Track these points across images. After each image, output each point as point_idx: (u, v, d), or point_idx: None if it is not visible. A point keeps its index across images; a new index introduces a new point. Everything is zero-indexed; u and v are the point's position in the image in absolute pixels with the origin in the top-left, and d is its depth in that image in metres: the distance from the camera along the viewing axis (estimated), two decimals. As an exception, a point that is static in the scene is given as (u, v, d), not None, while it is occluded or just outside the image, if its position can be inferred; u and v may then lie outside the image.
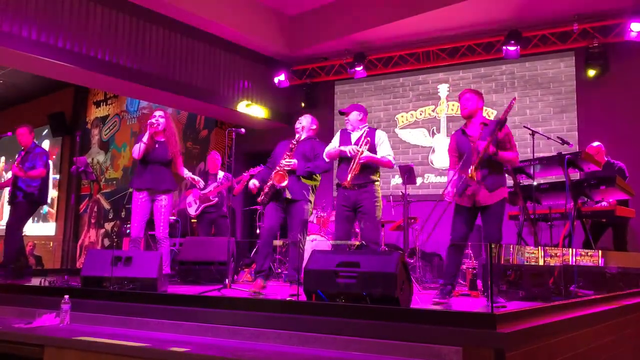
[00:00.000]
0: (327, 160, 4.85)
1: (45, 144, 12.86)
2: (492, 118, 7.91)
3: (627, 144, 6.82)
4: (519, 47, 7.43)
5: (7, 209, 6.55)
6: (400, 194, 6.63)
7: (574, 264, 4.29)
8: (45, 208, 6.74)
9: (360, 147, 4.60)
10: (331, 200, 8.00)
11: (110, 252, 4.23)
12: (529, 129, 4.97)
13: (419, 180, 8.13)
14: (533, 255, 4.24)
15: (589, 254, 4.74)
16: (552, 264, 4.14)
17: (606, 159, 5.91)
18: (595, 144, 5.99)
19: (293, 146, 4.83)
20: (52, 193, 12.60)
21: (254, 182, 4.90)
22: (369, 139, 4.69)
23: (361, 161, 4.53)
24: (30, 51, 6.68)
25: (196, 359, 2.71)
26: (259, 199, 4.85)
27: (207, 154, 7.95)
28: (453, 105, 8.33)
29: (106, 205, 12.04)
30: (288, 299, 3.98)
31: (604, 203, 5.22)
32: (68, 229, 12.34)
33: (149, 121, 4.93)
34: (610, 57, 7.30)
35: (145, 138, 4.82)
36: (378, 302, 3.01)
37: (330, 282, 3.20)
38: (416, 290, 4.47)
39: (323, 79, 9.35)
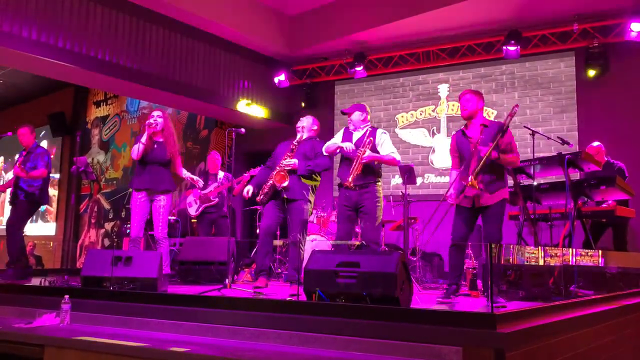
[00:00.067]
0: (325, 154, 4.85)
1: (44, 144, 12.85)
2: (492, 118, 7.92)
3: (627, 144, 6.82)
4: (519, 47, 7.43)
5: (7, 208, 6.55)
6: (401, 194, 6.62)
7: (574, 264, 4.29)
8: (43, 206, 6.72)
9: (362, 147, 4.60)
10: (331, 200, 8.00)
11: (111, 252, 4.23)
12: (529, 129, 4.96)
13: (419, 180, 8.13)
14: (533, 255, 4.24)
15: (589, 254, 4.73)
16: (552, 264, 4.13)
17: (606, 159, 5.91)
18: (595, 144, 5.99)
19: (294, 147, 4.83)
20: (50, 192, 12.59)
21: (248, 189, 4.89)
22: (371, 138, 4.69)
23: (363, 161, 4.53)
24: (30, 51, 6.68)
25: (196, 359, 2.71)
26: (258, 199, 4.85)
27: (207, 154, 7.95)
28: (453, 105, 8.33)
29: (106, 205, 12.04)
30: (288, 299, 3.98)
31: (607, 203, 5.22)
32: (68, 229, 12.34)
33: (147, 122, 4.94)
34: (611, 57, 7.30)
35: (143, 139, 4.83)
36: (378, 302, 3.01)
37: (330, 282, 3.20)
38: (416, 290, 4.48)
39: (323, 79, 9.35)
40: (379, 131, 4.80)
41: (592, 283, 4.35)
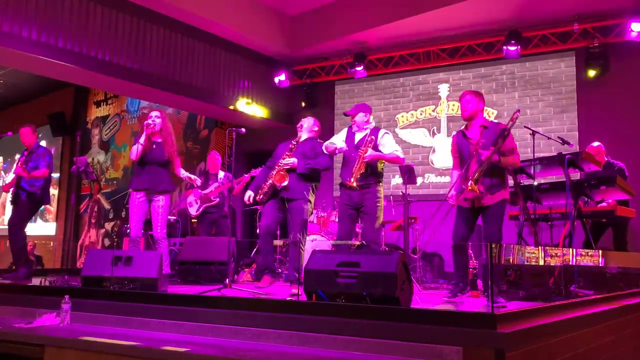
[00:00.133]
0: (326, 152, 4.85)
1: (43, 144, 12.84)
2: (492, 118, 7.92)
3: (628, 144, 6.81)
4: (519, 47, 7.43)
5: (9, 208, 6.56)
6: (401, 193, 6.62)
7: (574, 264, 4.29)
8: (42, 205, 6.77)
9: (364, 146, 4.61)
10: (331, 200, 8.00)
11: (111, 252, 4.22)
12: (529, 129, 4.96)
13: (419, 180, 8.13)
14: (533, 255, 4.24)
15: (589, 254, 4.73)
16: (552, 264, 4.13)
17: (606, 159, 5.91)
18: (596, 144, 5.99)
19: (293, 146, 4.84)
20: (51, 191, 12.58)
21: (249, 195, 4.89)
22: (372, 137, 4.70)
23: (365, 160, 4.54)
24: (30, 51, 6.68)
25: (196, 359, 2.71)
26: (258, 198, 4.85)
27: (207, 153, 7.95)
28: (453, 105, 8.33)
29: (106, 205, 12.04)
30: (288, 299, 3.98)
31: (606, 202, 5.22)
32: (68, 228, 12.34)
33: (145, 122, 4.94)
34: (611, 57, 7.30)
35: (141, 139, 4.83)
36: (378, 302, 3.01)
37: (330, 282, 3.19)
38: (416, 290, 4.47)
39: (323, 79, 9.35)
40: (382, 131, 4.81)
41: (592, 283, 4.35)
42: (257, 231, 7.80)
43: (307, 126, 5.00)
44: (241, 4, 8.31)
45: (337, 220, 6.91)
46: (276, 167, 4.75)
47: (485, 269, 4.27)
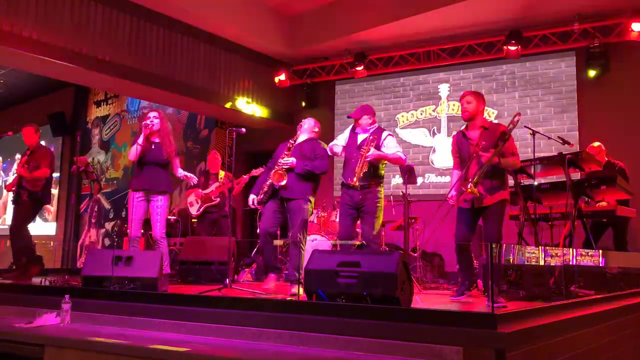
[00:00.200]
0: (330, 154, 4.88)
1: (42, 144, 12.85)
2: (492, 118, 7.93)
3: (628, 143, 6.81)
4: (519, 47, 7.43)
5: (10, 207, 6.58)
6: (401, 193, 6.62)
7: (574, 263, 4.29)
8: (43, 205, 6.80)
9: (366, 145, 4.62)
10: (331, 200, 8.00)
11: (111, 252, 4.23)
12: (529, 128, 4.96)
13: (419, 180, 8.13)
14: (534, 255, 4.24)
15: (590, 253, 4.74)
16: (552, 264, 4.13)
17: (607, 159, 5.91)
18: (596, 144, 5.99)
19: (291, 145, 4.85)
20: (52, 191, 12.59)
21: (252, 198, 4.90)
22: (375, 136, 4.71)
23: (368, 159, 4.55)
24: (30, 51, 6.68)
25: (197, 359, 2.71)
26: (259, 198, 4.85)
27: (208, 153, 7.95)
28: (454, 105, 8.33)
29: (107, 205, 12.04)
30: (289, 298, 3.99)
31: (606, 202, 5.22)
32: (68, 228, 12.34)
33: (143, 122, 4.95)
34: (611, 57, 7.30)
35: (140, 140, 4.84)
36: (379, 302, 3.01)
37: (330, 282, 3.19)
38: (417, 290, 4.48)
39: (324, 79, 9.35)
40: (385, 133, 4.83)
41: (592, 283, 4.35)
42: (257, 231, 7.81)
43: (307, 127, 5.00)
44: (241, 4, 8.30)
45: (337, 220, 6.94)
46: (275, 167, 4.76)
47: (486, 269, 4.28)
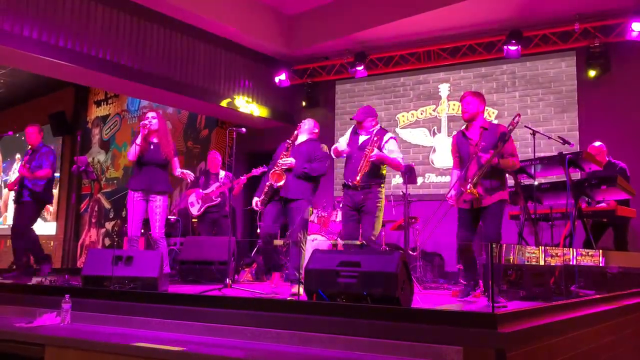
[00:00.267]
0: (334, 156, 4.89)
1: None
2: (492, 118, 7.93)
3: (629, 143, 6.81)
4: (520, 46, 7.42)
5: (11, 207, 6.58)
6: (401, 193, 6.62)
7: (574, 263, 4.30)
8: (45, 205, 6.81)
9: (370, 146, 4.63)
10: (331, 200, 8.00)
11: (111, 252, 4.23)
12: (530, 128, 4.96)
13: (419, 180, 8.13)
14: (534, 255, 4.24)
15: (590, 253, 4.74)
16: (553, 264, 4.14)
17: (607, 159, 5.90)
18: (597, 143, 5.98)
19: (289, 145, 4.86)
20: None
21: (255, 200, 4.90)
22: (377, 137, 4.72)
23: (371, 159, 4.56)
24: (31, 50, 6.67)
25: (196, 359, 2.71)
26: (260, 200, 4.85)
27: (208, 153, 7.95)
28: (454, 104, 8.33)
29: (107, 205, 12.04)
30: (289, 298, 3.99)
31: (606, 202, 5.22)
32: (69, 228, 12.34)
33: (141, 123, 4.96)
34: (612, 56, 7.29)
35: (138, 140, 4.85)
36: (379, 302, 3.01)
37: (331, 282, 3.19)
38: (417, 290, 4.48)
39: (324, 79, 9.34)
40: (387, 135, 4.83)
41: (592, 283, 4.35)
42: (258, 231, 7.81)
43: (307, 127, 5.01)
44: (241, 4, 8.30)
45: (337, 220, 6.95)
46: (274, 168, 4.78)
47: (486, 269, 4.28)
